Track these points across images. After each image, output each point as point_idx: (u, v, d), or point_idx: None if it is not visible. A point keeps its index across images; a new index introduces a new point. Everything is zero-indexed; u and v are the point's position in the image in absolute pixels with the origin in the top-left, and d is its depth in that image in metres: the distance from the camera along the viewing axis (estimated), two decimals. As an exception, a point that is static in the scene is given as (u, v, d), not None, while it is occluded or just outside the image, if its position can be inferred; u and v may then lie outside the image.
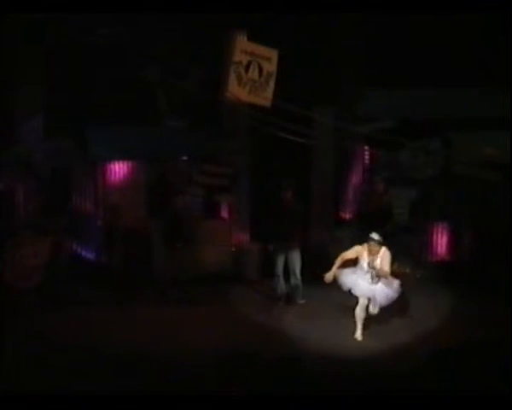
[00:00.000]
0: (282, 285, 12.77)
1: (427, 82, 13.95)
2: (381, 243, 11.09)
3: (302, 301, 12.71)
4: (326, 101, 14.29)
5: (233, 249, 14.51)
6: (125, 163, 14.46)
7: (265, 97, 11.29)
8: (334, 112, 14.31)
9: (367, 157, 15.12)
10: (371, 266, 11.06)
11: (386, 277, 11.07)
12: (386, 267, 11.07)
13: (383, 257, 11.08)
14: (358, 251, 11.21)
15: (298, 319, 11.84)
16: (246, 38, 11.44)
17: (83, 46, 12.65)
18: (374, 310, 11.33)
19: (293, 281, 12.75)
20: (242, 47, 11.16)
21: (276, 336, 10.89)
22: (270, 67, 11.28)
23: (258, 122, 11.46)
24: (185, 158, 14.66)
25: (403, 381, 8.65)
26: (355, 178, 15.19)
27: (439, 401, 7.69)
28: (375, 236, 11.08)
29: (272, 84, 11.29)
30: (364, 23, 14.08)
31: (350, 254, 11.28)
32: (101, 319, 11.55)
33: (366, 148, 14.88)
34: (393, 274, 11.68)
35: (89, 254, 14.40)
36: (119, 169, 14.45)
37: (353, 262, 11.34)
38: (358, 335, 11.21)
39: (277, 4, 11.17)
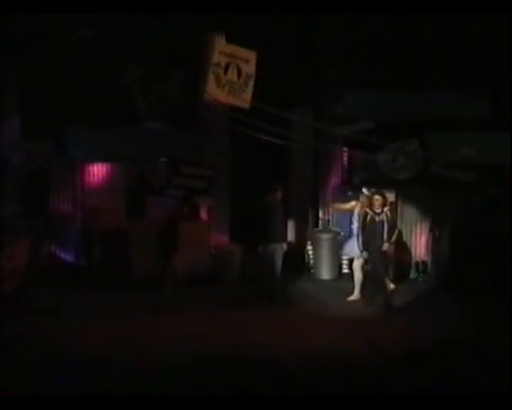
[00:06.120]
0: (264, 287, 12.77)
1: (406, 84, 14.00)
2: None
3: (285, 302, 12.68)
4: (305, 102, 14.32)
5: (212, 251, 14.49)
6: (104, 165, 14.43)
7: (244, 99, 11.26)
8: (313, 113, 14.35)
9: (345, 159, 15.15)
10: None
11: None
12: None
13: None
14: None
15: (282, 321, 11.80)
16: (224, 40, 11.43)
17: (61, 47, 12.62)
18: None
19: (275, 282, 12.75)
20: (221, 48, 11.14)
21: (259, 337, 10.81)
22: (249, 68, 11.26)
23: (237, 124, 11.45)
24: (164, 160, 14.63)
25: (399, 381, 8.63)
26: (334, 180, 15.23)
27: (439, 401, 7.71)
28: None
29: (251, 85, 11.28)
30: (344, 25, 14.13)
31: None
32: (79, 323, 11.46)
33: (345, 149, 14.91)
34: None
35: (67, 257, 14.34)
36: (97, 171, 14.42)
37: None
38: (356, 295, 12.70)
39: (256, 5, 11.18)
